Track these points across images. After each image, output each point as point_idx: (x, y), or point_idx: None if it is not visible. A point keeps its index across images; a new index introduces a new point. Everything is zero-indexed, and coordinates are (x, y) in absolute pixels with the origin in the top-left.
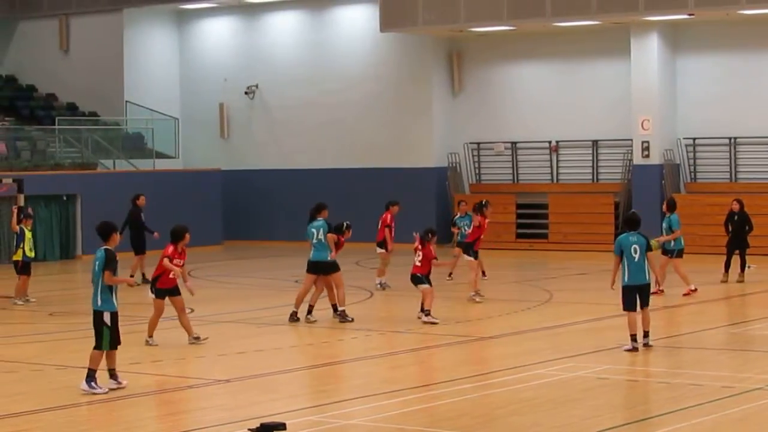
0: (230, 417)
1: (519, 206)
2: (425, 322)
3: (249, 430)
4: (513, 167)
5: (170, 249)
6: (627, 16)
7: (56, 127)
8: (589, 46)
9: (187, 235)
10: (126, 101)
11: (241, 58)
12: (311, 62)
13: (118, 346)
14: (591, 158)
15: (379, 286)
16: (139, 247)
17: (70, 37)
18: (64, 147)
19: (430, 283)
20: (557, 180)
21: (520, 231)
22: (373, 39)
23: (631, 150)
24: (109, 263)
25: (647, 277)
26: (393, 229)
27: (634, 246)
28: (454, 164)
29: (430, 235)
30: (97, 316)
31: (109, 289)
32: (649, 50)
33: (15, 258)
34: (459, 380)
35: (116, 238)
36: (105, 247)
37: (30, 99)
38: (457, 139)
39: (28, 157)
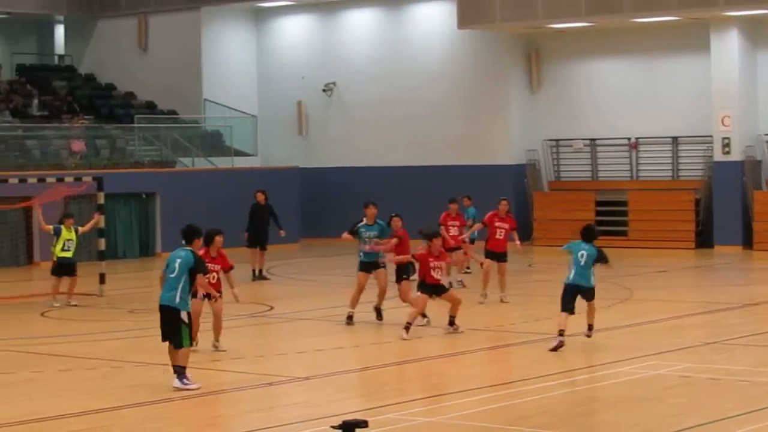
0: (310, 414)
1: (598, 203)
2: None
3: (332, 427)
4: (592, 164)
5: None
6: (706, 12)
7: (135, 125)
8: (668, 42)
9: (218, 238)
10: (204, 99)
11: (319, 55)
12: (388, 60)
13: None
14: (671, 155)
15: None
16: (260, 242)
17: (149, 36)
18: (142, 145)
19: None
20: (637, 177)
21: (599, 228)
22: (451, 36)
23: (712, 146)
24: (201, 266)
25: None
26: (457, 228)
27: (582, 252)
28: (532, 161)
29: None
30: (174, 314)
31: (189, 290)
32: (729, 46)
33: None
34: (538, 378)
35: (199, 243)
36: (190, 249)
37: (109, 98)
38: (536, 137)
39: (107, 155)
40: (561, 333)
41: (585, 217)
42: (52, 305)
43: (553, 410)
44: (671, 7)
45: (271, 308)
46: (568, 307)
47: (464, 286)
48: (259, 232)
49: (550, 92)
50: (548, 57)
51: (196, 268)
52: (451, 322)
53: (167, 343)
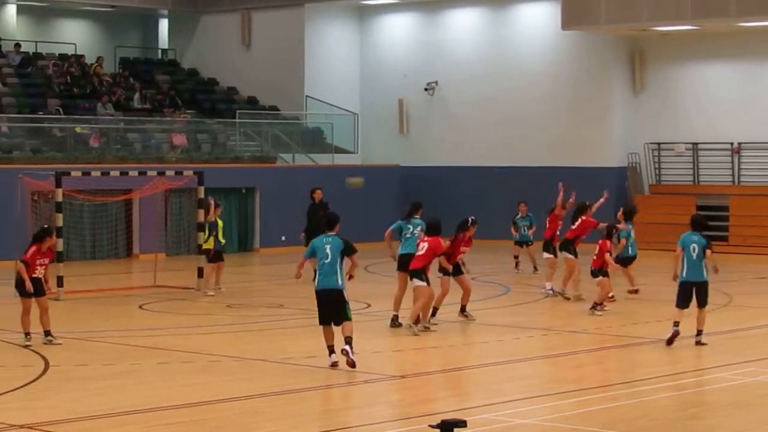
0: (407, 413)
1: (699, 208)
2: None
3: (430, 426)
4: (694, 168)
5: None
6: None
7: (237, 120)
8: None
9: (49, 239)
10: (306, 96)
11: (421, 54)
12: (491, 59)
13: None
14: None
15: (551, 292)
16: None
17: (252, 32)
18: (243, 140)
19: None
20: (738, 182)
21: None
22: (554, 37)
23: None
24: (350, 248)
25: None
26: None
27: (693, 245)
28: (633, 164)
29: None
30: (340, 294)
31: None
32: None
33: (207, 246)
34: (636, 382)
35: (338, 228)
36: (335, 234)
37: (211, 92)
38: (638, 139)
39: (209, 149)
40: (676, 324)
41: (685, 221)
42: (207, 293)
43: (652, 414)
44: None
45: (368, 306)
46: (682, 303)
47: (567, 298)
48: (315, 231)
49: (653, 95)
50: (652, 59)
51: (347, 249)
52: (463, 309)
53: (323, 327)
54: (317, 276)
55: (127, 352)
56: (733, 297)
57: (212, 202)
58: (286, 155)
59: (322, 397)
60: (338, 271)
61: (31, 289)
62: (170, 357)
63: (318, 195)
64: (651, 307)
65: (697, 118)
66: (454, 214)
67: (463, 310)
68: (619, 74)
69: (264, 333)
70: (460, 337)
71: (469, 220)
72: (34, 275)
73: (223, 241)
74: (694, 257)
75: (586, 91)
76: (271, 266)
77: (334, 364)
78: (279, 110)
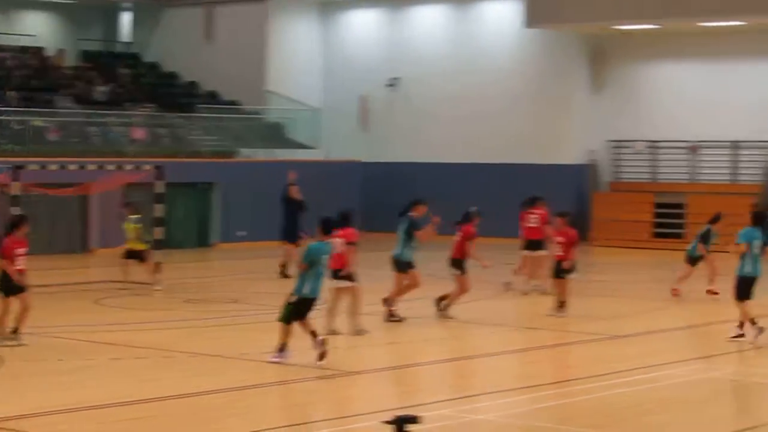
0: (359, 409)
1: (657, 205)
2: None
3: (383, 422)
4: (652, 166)
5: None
6: None
7: (197, 114)
8: (734, 47)
9: (23, 227)
10: (268, 91)
11: (384, 50)
12: (454, 56)
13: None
14: (731, 159)
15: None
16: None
17: (215, 26)
18: (203, 135)
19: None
20: (696, 180)
21: (656, 230)
22: (517, 35)
23: None
24: None
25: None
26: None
27: (757, 241)
28: (593, 162)
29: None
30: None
31: None
32: None
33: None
34: (591, 378)
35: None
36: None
37: (172, 86)
38: (597, 137)
39: (168, 143)
40: (753, 322)
41: (642, 219)
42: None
43: (605, 410)
44: (739, 12)
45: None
46: (748, 296)
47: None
48: (292, 228)
49: (613, 93)
50: (613, 58)
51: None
52: (441, 301)
53: (285, 325)
54: (309, 283)
55: (82, 348)
56: (688, 293)
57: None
58: (246, 150)
59: (279, 392)
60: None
61: (22, 283)
62: (125, 353)
63: (294, 191)
64: (609, 303)
65: (656, 116)
66: None
67: (440, 303)
68: (581, 72)
69: (221, 329)
70: (418, 333)
71: (473, 211)
72: (16, 267)
73: (141, 244)
74: (758, 252)
75: (547, 89)
76: (229, 261)
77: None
78: (240, 105)
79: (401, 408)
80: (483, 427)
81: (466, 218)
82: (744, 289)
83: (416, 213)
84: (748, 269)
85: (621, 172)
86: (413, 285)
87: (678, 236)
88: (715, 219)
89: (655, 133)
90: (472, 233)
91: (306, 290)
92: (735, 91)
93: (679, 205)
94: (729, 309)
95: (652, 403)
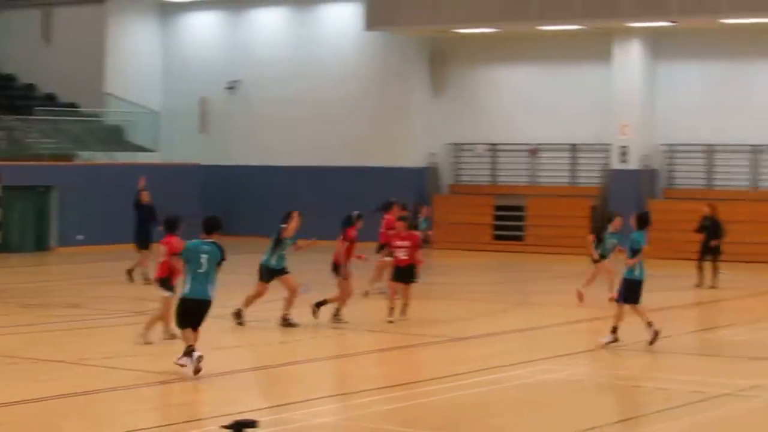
0: (201, 413)
1: (497, 208)
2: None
3: (222, 427)
4: (492, 169)
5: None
6: (610, 22)
7: (34, 117)
8: (572, 50)
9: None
10: (106, 93)
11: (225, 52)
12: (295, 59)
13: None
14: (570, 162)
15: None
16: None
17: (52, 28)
18: (41, 138)
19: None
20: (535, 183)
21: (497, 233)
22: (357, 38)
23: (610, 155)
24: (225, 256)
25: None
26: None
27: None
28: (433, 164)
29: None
30: (209, 306)
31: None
32: (631, 56)
33: None
34: (435, 380)
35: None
36: (213, 241)
37: (9, 88)
38: (438, 140)
39: (5, 146)
40: (650, 324)
41: (483, 221)
42: None
43: (447, 412)
44: (576, 16)
45: None
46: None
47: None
48: (145, 232)
49: (453, 96)
50: (453, 61)
51: (222, 261)
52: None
53: (184, 329)
54: (187, 282)
55: None
56: (529, 296)
57: None
58: (85, 153)
59: (121, 397)
60: (212, 281)
61: None
62: None
63: (145, 196)
64: (450, 306)
65: (496, 119)
66: (256, 214)
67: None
68: (421, 75)
69: (62, 333)
70: (258, 337)
71: (354, 215)
72: None
73: None
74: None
75: (388, 92)
76: (67, 265)
77: (200, 358)
78: (79, 107)
79: (243, 412)
80: (325, 431)
81: (348, 222)
82: (637, 291)
83: (291, 225)
84: (637, 272)
85: (461, 174)
86: (261, 294)
87: (518, 238)
88: (609, 219)
89: (495, 136)
90: (353, 237)
91: (185, 290)
92: (572, 95)
93: (519, 208)
94: (570, 311)
95: (494, 404)
